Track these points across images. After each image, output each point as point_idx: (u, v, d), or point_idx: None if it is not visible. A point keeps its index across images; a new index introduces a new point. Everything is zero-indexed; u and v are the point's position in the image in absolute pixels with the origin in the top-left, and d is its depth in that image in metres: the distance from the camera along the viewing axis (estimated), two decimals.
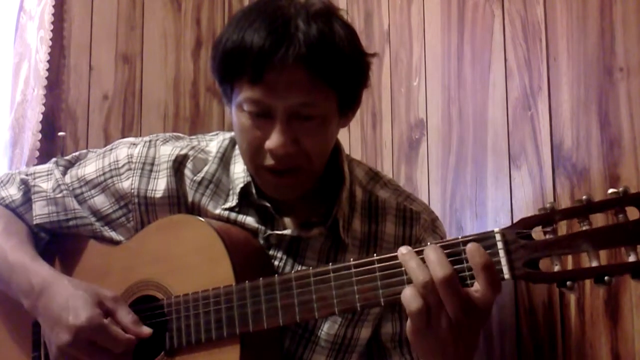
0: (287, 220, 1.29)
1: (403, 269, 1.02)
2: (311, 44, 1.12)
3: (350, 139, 1.98)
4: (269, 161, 1.18)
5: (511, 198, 1.48)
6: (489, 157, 1.55)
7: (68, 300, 1.18)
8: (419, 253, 1.00)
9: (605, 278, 0.91)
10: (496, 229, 0.98)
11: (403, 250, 1.02)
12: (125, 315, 1.19)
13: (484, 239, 0.98)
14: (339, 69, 1.15)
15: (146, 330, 1.19)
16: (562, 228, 0.96)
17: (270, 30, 1.12)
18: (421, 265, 0.99)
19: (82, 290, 1.20)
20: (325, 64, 1.13)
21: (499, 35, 1.54)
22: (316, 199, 1.29)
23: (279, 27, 1.12)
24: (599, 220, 0.93)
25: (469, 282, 0.98)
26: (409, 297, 0.98)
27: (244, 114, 1.18)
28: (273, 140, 1.15)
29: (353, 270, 1.07)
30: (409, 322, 1.00)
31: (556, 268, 0.94)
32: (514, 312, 1.45)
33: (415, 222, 1.32)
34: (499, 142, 1.52)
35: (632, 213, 0.90)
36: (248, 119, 1.18)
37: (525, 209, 1.44)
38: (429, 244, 1.01)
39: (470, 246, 0.97)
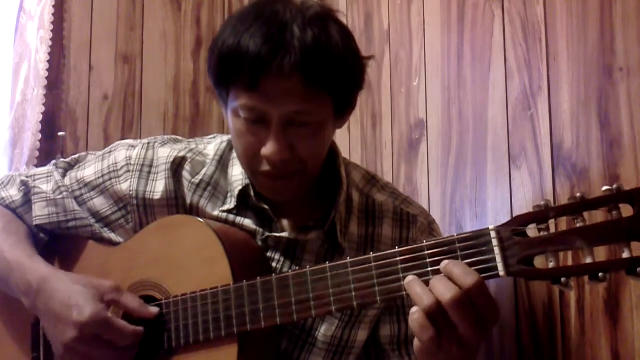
0: (285, 223, 1.29)
1: (399, 267, 1.02)
2: (307, 51, 1.11)
3: (350, 139, 1.97)
4: (265, 167, 1.18)
5: (511, 198, 1.47)
6: (489, 157, 1.54)
7: (70, 296, 1.19)
8: (426, 283, 0.99)
9: (600, 274, 0.91)
10: (491, 227, 0.98)
11: (409, 278, 1.01)
12: (131, 301, 1.20)
13: (479, 237, 0.99)
14: (335, 75, 1.15)
15: (153, 309, 1.20)
16: (562, 226, 0.96)
17: (267, 37, 1.11)
18: (425, 289, 0.98)
19: (82, 285, 1.20)
20: (321, 71, 1.13)
21: (499, 35, 1.54)
22: (314, 202, 1.29)
23: (275, 34, 1.11)
24: (597, 218, 0.93)
25: None
26: (419, 326, 0.96)
27: (240, 120, 1.18)
28: (269, 148, 1.15)
29: (350, 268, 1.07)
30: (417, 342, 0.99)
31: (551, 265, 0.95)
32: (514, 312, 1.44)
33: (412, 225, 1.32)
34: (499, 142, 1.51)
35: (626, 210, 0.90)
36: (244, 125, 1.18)
37: (525, 209, 1.43)
38: (424, 242, 1.01)
39: (457, 271, 0.96)
